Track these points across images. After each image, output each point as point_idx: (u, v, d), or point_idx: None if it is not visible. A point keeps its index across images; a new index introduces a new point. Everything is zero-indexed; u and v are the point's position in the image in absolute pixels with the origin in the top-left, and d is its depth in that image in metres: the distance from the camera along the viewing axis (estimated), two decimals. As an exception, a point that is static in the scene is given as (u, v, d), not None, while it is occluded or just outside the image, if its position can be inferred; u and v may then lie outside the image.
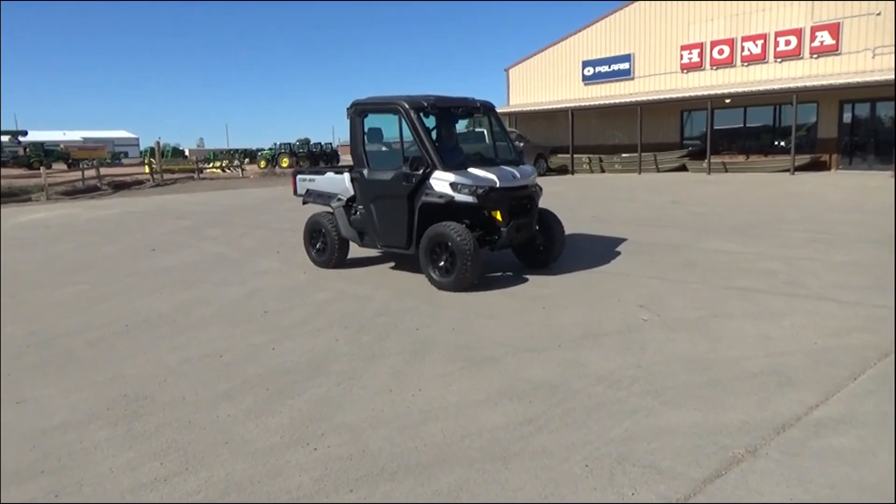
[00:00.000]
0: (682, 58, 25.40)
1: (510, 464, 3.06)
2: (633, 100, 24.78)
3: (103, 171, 31.16)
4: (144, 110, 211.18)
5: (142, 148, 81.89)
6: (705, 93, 22.95)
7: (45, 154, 54.89)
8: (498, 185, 6.80)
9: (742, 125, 24.95)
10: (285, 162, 42.12)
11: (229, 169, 38.67)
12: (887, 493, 2.78)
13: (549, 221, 7.66)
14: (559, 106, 27.49)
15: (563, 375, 4.12)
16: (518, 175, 7.13)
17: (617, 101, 25.70)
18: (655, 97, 24.44)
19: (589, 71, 28.38)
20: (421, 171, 6.87)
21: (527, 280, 6.94)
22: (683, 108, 25.59)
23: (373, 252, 8.34)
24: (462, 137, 8.16)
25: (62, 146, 64.54)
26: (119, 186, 26.87)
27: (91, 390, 4.18)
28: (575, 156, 26.72)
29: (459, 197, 6.72)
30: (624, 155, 26.24)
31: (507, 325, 5.28)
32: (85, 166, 35.64)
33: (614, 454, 3.11)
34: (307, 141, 57.97)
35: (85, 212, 17.28)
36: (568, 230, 10.13)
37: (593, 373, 4.15)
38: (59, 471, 3.14)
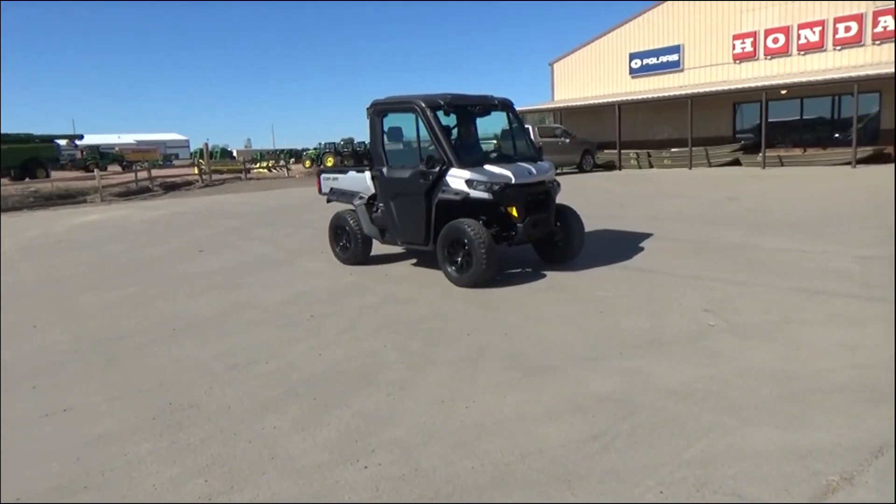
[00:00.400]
0: (734, 48, 24.54)
1: (576, 488, 2.81)
2: (684, 92, 24.02)
3: (155, 172, 31.93)
4: (194, 113, 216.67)
5: (192, 149, 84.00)
6: (760, 84, 22.06)
7: (101, 157, 56.79)
8: (513, 182, 6.86)
9: (798, 117, 23.94)
10: (330, 161, 42.45)
11: (275, 169, 39.20)
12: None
13: (568, 217, 7.63)
14: (606, 100, 26.86)
15: (628, 387, 3.83)
16: (534, 171, 7.18)
17: (666, 94, 24.93)
18: (707, 89, 23.62)
19: (636, 63, 27.69)
20: (437, 169, 6.91)
21: (581, 281, 6.63)
22: (736, 100, 24.70)
23: (415, 253, 8.15)
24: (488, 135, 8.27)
25: (117, 149, 66.67)
26: (170, 187, 27.42)
27: (137, 398, 4.08)
28: (622, 151, 26.08)
29: (475, 194, 6.77)
30: (673, 150, 25.49)
31: (563, 331, 5.01)
32: (137, 168, 36.64)
33: (691, 479, 2.82)
34: (351, 140, 58.42)
35: (137, 213, 17.63)
36: (619, 228, 9.81)
37: (661, 385, 3.84)
38: (102, 486, 3.02)
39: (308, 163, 44.84)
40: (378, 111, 7.66)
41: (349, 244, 8.28)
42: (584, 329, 5.03)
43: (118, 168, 51.48)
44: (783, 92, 22.00)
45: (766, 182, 16.85)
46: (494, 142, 8.29)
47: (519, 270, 7.28)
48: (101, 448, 3.40)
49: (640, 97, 25.72)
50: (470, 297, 6.23)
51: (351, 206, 8.28)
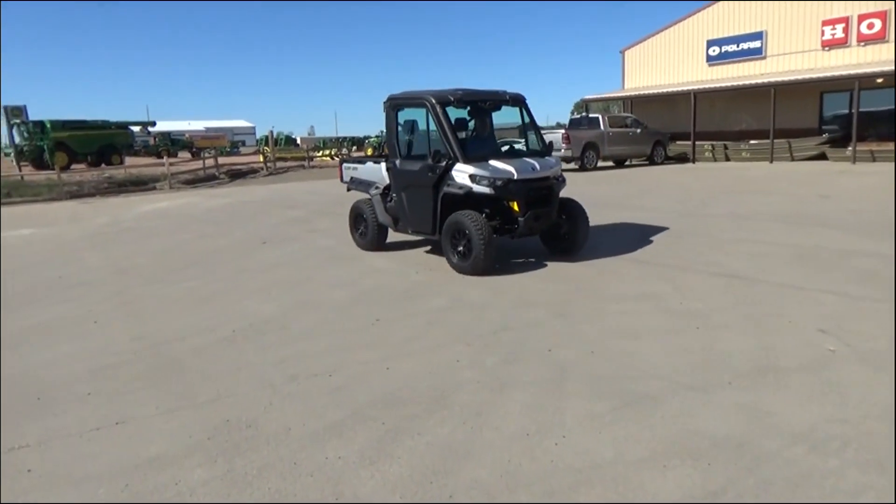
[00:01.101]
0: (823, 34, 22.90)
1: (701, 565, 2.30)
2: (767, 80, 22.57)
3: (222, 160, 32.52)
4: (261, 100, 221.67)
5: (258, 136, 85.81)
6: (852, 72, 20.47)
7: (172, 143, 58.58)
8: (516, 177, 7.09)
9: (894, 107, 22.15)
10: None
11: (338, 157, 39.34)
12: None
13: (573, 211, 7.80)
14: (680, 89, 25.59)
15: (747, 428, 3.27)
16: (538, 167, 7.36)
17: (748, 82, 23.51)
18: (793, 77, 22.12)
19: (714, 51, 26.27)
20: (443, 164, 7.19)
21: (668, 289, 6.03)
22: (824, 89, 23.07)
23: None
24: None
25: (187, 136, 68.65)
26: (235, 175, 27.79)
27: (193, 412, 3.78)
28: (697, 143, 24.82)
29: (477, 188, 7.04)
30: (752, 142, 24.06)
31: (658, 350, 4.45)
32: (205, 155, 37.44)
33: (848, 562, 2.27)
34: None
35: (202, 201, 17.79)
36: (703, 228, 9.04)
37: (786, 427, 3.26)
38: (149, 523, 2.70)
39: (370, 150, 44.91)
40: (393, 105, 8.03)
41: (366, 231, 8.76)
42: (681, 349, 4.46)
43: (188, 154, 52.97)
44: (879, 80, 20.36)
45: (860, 179, 15.56)
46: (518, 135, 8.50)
47: (605, 275, 6.72)
48: (151, 473, 3.09)
49: (718, 85, 24.34)
50: (547, 304, 5.72)
51: (368, 195, 8.68)
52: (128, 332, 5.54)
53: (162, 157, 44.65)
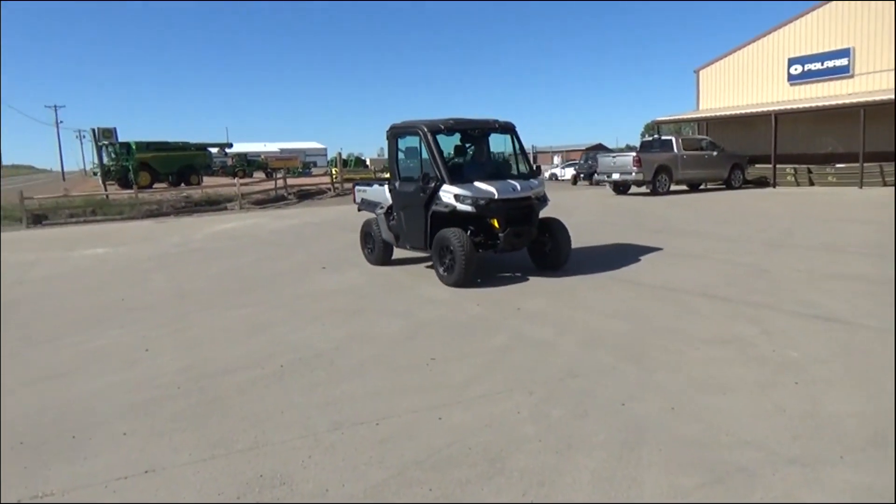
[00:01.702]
0: (919, 50, 21.33)
1: None
2: (856, 101, 21.16)
3: (293, 180, 33.22)
4: (333, 122, 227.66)
5: (328, 158, 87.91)
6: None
7: (248, 164, 60.56)
8: (496, 197, 7.75)
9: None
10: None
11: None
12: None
13: (555, 229, 8.43)
14: (760, 110, 24.37)
15: (869, 522, 2.69)
16: (519, 188, 8.01)
17: (834, 102, 22.13)
18: (885, 97, 20.64)
19: (796, 69, 24.97)
20: (432, 185, 7.91)
21: (756, 332, 5.39)
22: (921, 109, 21.41)
23: (547, 276, 7.21)
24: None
25: (262, 157, 70.95)
26: (303, 196, 28.24)
27: (227, 462, 3.48)
28: (778, 166, 23.51)
29: (461, 207, 7.74)
30: (839, 165, 22.60)
31: (749, 409, 3.87)
32: (277, 176, 38.38)
33: None
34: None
35: (269, 222, 18.00)
36: (789, 260, 8.16)
37: (920, 523, 2.67)
38: None
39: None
40: (393, 133, 8.81)
41: (374, 247, 9.57)
42: (778, 409, 3.87)
43: (262, 175, 54.56)
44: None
45: (967, 206, 14.17)
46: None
47: (683, 315, 6.14)
48: (172, 537, 2.79)
49: (802, 106, 23.02)
50: (618, 346, 5.20)
51: (374, 215, 9.43)
52: (177, 361, 5.36)
53: (239, 177, 46.23)
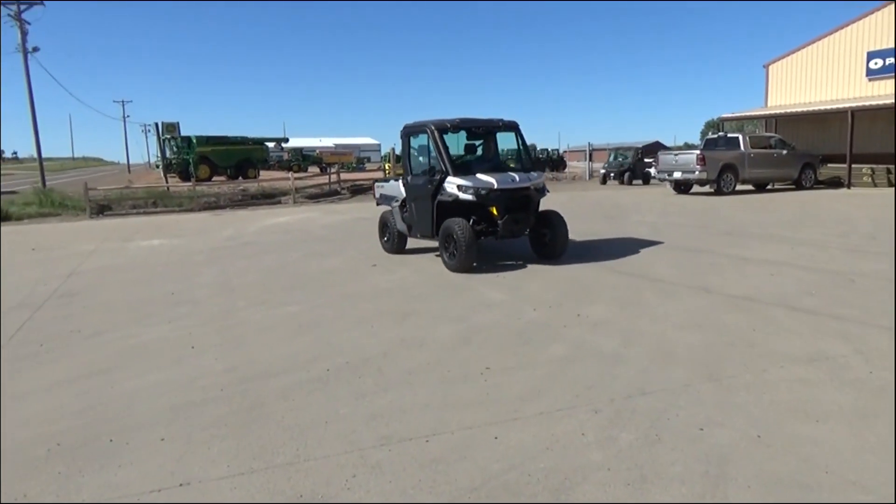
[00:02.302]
0: None
1: None
2: (944, 97, 19.67)
3: (347, 175, 33.30)
4: (388, 118, 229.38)
5: (382, 153, 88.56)
6: None
7: (303, 159, 61.37)
8: (495, 187, 8.48)
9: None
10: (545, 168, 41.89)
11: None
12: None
13: (553, 220, 9.06)
14: (835, 106, 23.01)
15: None
16: (517, 179, 8.74)
17: (919, 98, 20.64)
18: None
19: (876, 63, 23.45)
20: (437, 177, 8.72)
21: (850, 350, 4.83)
22: None
23: (611, 280, 6.73)
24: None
25: (317, 152, 71.81)
26: (356, 191, 28.24)
27: (265, 477, 3.21)
28: (853, 166, 22.14)
29: (463, 196, 8.49)
30: (922, 166, 21.09)
31: (849, 442, 3.37)
32: (330, 171, 38.66)
33: None
34: (534, 147, 57.42)
35: (321, 216, 17.95)
36: (876, 269, 7.36)
37: None
38: None
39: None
40: (406, 132, 9.58)
41: (390, 237, 10.27)
42: (882, 443, 3.35)
43: (317, 169, 55.17)
44: None
45: None
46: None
47: (762, 326, 5.61)
48: (200, 567, 2.52)
49: (882, 102, 21.57)
50: (693, 361, 4.72)
51: (389, 207, 10.18)
52: (221, 361, 5.17)
53: (294, 172, 46.81)
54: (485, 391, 4.31)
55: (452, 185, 8.56)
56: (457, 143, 9.47)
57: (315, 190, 27.33)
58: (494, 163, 9.38)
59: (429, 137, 8.97)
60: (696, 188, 22.01)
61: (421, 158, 9.49)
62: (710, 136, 24.33)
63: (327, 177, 30.28)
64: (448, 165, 8.65)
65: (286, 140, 54.72)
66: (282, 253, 10.97)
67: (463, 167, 8.90)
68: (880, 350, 4.84)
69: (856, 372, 4.42)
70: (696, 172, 20.43)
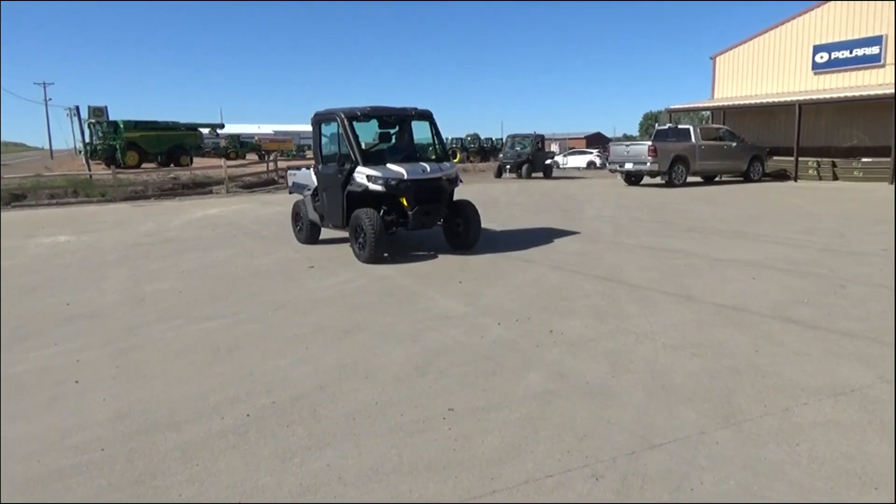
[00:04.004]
0: (958, 38, 19.98)
1: None
2: (889, 91, 19.81)
3: (288, 163, 31.68)
4: (328, 104, 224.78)
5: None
6: None
7: (240, 145, 58.92)
8: (406, 178, 8.34)
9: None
10: (458, 157, 40.97)
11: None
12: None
13: (467, 210, 8.93)
14: (783, 100, 23.01)
15: None
16: (428, 169, 8.61)
17: (867, 92, 20.76)
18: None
19: (821, 57, 23.60)
20: (348, 167, 8.51)
21: (874, 378, 4.10)
22: (957, 101, 20.09)
23: (577, 286, 5.88)
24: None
25: (256, 139, 69.14)
26: (296, 180, 26.81)
27: None
28: (799, 159, 22.18)
29: (373, 187, 8.32)
30: (865, 160, 21.28)
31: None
32: (269, 159, 36.85)
33: None
34: (477, 136, 57.04)
35: (255, 208, 16.61)
36: (865, 273, 6.80)
37: None
38: None
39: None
40: (317, 120, 9.35)
41: (303, 227, 10.04)
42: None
43: (255, 157, 53.00)
44: None
45: None
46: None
47: (767, 349, 4.86)
48: None
49: (829, 96, 21.65)
50: (700, 398, 3.89)
51: (302, 196, 9.99)
52: (112, 402, 4.04)
53: (231, 159, 44.64)
54: (450, 446, 3.35)
55: (362, 175, 8.39)
56: (366, 132, 9.41)
57: (252, 179, 25.79)
58: (408, 152, 9.21)
59: (339, 125, 8.73)
60: (646, 179, 21.63)
61: (332, 147, 9.36)
62: (660, 127, 24.02)
63: (265, 165, 28.67)
64: (358, 155, 8.50)
65: (222, 126, 52.18)
66: (206, 251, 9.73)
67: (374, 157, 8.78)
68: (909, 377, 4.13)
69: (891, 409, 3.67)
70: (648, 164, 20.01)
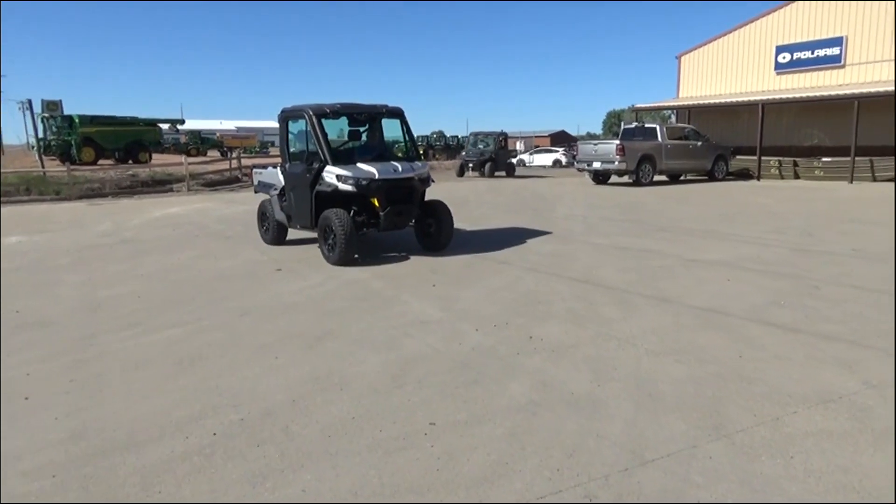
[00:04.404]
0: (913, 40, 20.52)
1: None
2: (850, 92, 20.26)
3: (251, 160, 31.04)
4: (292, 100, 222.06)
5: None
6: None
7: (202, 142, 57.77)
8: (377, 177, 8.09)
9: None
10: (424, 155, 40.74)
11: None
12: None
13: (439, 211, 8.75)
14: (746, 99, 23.36)
15: None
16: (400, 169, 8.34)
17: (827, 93, 21.19)
18: (880, 89, 19.76)
19: (784, 58, 24.03)
20: (316, 166, 8.22)
21: (859, 384, 4.04)
22: (913, 102, 20.65)
23: (557, 289, 5.75)
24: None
25: (218, 135, 67.82)
26: (260, 177, 26.26)
27: None
28: (762, 158, 22.55)
29: (343, 187, 8.05)
30: (826, 159, 21.74)
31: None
32: (231, 156, 36.09)
33: None
34: (442, 134, 56.99)
35: (218, 207, 16.14)
36: (837, 274, 6.33)
37: None
38: None
39: (400, 155, 43.35)
40: (284, 117, 9.01)
41: (269, 227, 9.71)
42: None
43: (217, 153, 51.95)
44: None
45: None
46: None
47: (750, 354, 4.78)
48: None
49: (792, 96, 22.04)
50: (686, 406, 3.77)
51: (268, 196, 9.66)
52: (66, 421, 3.75)
53: (192, 156, 43.58)
54: (433, 465, 3.16)
55: (331, 174, 8.10)
56: (335, 129, 9.25)
57: (214, 176, 25.15)
58: (379, 151, 8.97)
59: (307, 123, 8.38)
60: (614, 178, 21.73)
61: (299, 145, 9.10)
62: (626, 126, 24.18)
63: (228, 162, 28.02)
64: (327, 154, 8.18)
65: (182, 122, 50.98)
66: (167, 253, 9.34)
67: (344, 156, 8.52)
68: (890, 382, 4.08)
69: (881, 417, 3.60)
70: (616, 163, 20.10)
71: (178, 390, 4.18)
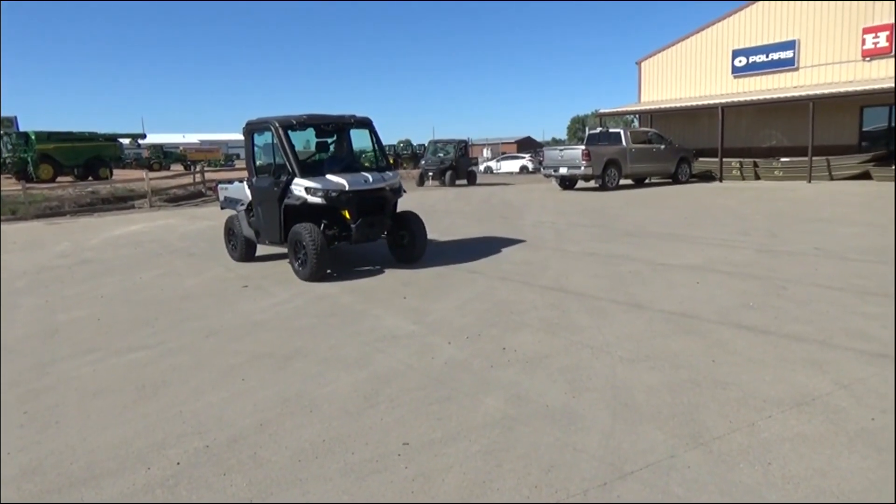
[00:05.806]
0: (864, 42, 21.19)
1: None
2: (805, 94, 20.78)
3: (215, 174, 30.50)
4: (257, 112, 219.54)
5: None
6: (899, 84, 18.68)
7: (164, 156, 56.78)
8: (347, 189, 7.89)
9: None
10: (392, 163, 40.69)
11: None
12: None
13: (412, 222, 8.60)
14: (705, 102, 23.80)
15: None
16: (371, 179, 8.17)
17: (782, 95, 21.71)
18: (833, 90, 20.32)
19: (740, 61, 24.56)
20: (284, 179, 8.03)
21: (830, 384, 4.06)
22: (864, 103, 21.31)
23: (528, 297, 5.70)
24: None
25: (181, 148, 66.74)
26: (225, 191, 25.83)
27: None
28: (723, 160, 22.97)
29: (312, 199, 7.85)
30: (784, 159, 22.23)
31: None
32: (195, 169, 35.49)
33: None
34: (409, 142, 57.04)
35: (182, 223, 15.80)
36: (800, 272, 6.45)
37: None
38: None
39: (367, 164, 43.19)
40: (249, 130, 8.80)
41: (236, 244, 9.49)
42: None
43: (181, 167, 51.07)
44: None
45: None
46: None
47: (722, 357, 4.78)
48: None
49: (747, 99, 22.52)
50: (663, 414, 3.74)
51: (235, 212, 9.42)
52: (18, 456, 3.55)
53: (155, 171, 42.74)
54: (408, 488, 3.06)
55: (300, 187, 7.91)
56: (301, 141, 9.12)
57: (178, 191, 24.66)
58: (347, 162, 8.81)
59: (273, 135, 8.18)
60: (580, 183, 21.90)
61: (266, 158, 8.98)
62: (591, 131, 24.42)
63: (192, 176, 27.52)
64: (295, 166, 7.98)
65: (143, 136, 50.01)
66: (129, 273, 9.06)
67: (312, 167, 8.35)
68: (860, 381, 4.12)
69: (854, 418, 3.61)
70: (582, 168, 20.26)
71: (140, 419, 4.01)
